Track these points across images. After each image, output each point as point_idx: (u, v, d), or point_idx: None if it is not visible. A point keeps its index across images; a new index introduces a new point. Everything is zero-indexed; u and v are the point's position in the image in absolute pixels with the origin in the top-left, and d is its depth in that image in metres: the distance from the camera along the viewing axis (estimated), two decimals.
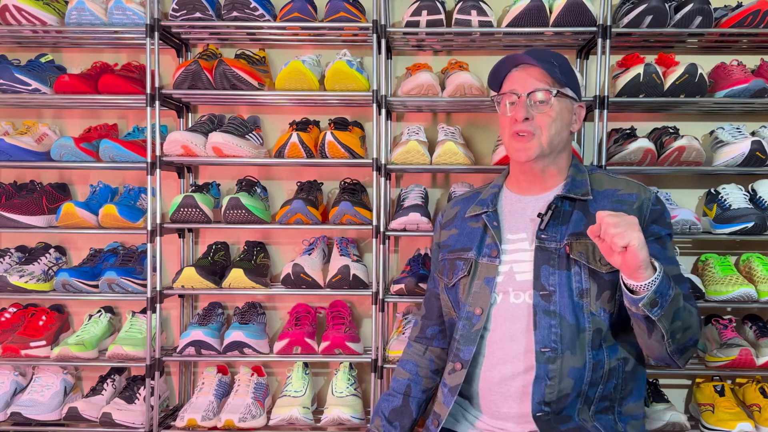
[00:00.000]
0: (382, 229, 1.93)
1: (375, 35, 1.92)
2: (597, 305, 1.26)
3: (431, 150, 1.98)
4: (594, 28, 1.87)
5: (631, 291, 1.16)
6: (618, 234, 1.10)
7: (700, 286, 1.89)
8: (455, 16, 1.91)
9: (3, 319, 2.11)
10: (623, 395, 1.31)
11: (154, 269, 1.95)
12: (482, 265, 1.35)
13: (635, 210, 1.30)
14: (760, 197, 1.94)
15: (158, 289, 1.96)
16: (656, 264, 1.14)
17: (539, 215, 1.32)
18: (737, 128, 1.97)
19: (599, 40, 1.87)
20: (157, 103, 1.95)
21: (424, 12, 1.90)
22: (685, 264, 2.08)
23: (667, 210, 1.37)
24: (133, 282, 1.99)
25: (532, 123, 1.32)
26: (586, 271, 1.27)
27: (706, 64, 1.94)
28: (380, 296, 1.93)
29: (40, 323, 2.05)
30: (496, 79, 1.42)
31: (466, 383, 1.34)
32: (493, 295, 1.32)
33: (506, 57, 1.37)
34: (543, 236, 1.31)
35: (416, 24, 1.92)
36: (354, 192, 2.03)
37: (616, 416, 1.30)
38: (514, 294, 1.31)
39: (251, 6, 1.93)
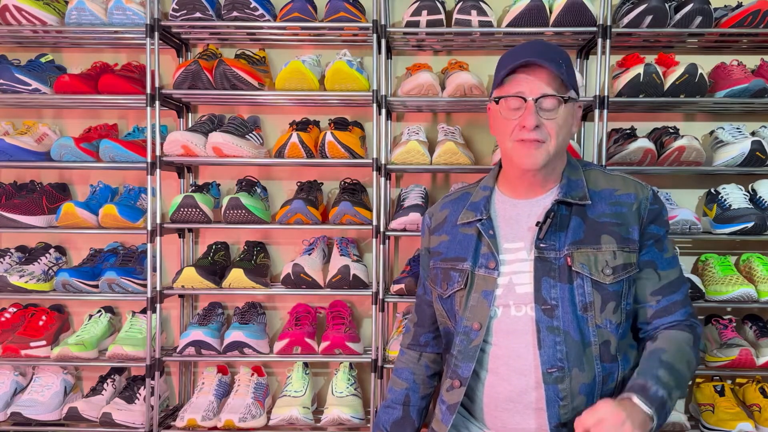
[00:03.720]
0: (382, 229, 1.93)
1: (375, 35, 1.92)
2: (602, 317, 1.22)
3: (431, 150, 1.98)
4: (594, 28, 1.87)
5: None
6: None
7: (700, 286, 1.89)
8: (455, 16, 1.92)
9: (3, 319, 2.11)
10: None
11: (154, 269, 1.95)
12: (479, 277, 1.28)
13: (634, 212, 1.27)
14: (760, 197, 1.94)
15: (158, 289, 1.95)
16: (651, 411, 1.12)
17: (538, 224, 1.27)
18: (737, 128, 1.97)
19: (599, 40, 1.87)
20: (157, 103, 1.95)
21: (424, 12, 1.90)
22: (685, 264, 2.07)
23: (665, 207, 1.33)
24: (133, 282, 1.99)
25: (541, 130, 1.22)
26: (589, 283, 1.22)
27: (706, 64, 1.94)
28: (380, 296, 1.93)
29: (40, 323, 2.06)
30: (500, 72, 1.27)
31: (469, 399, 1.31)
32: (492, 308, 1.26)
33: (514, 51, 1.25)
34: (542, 245, 1.25)
35: (416, 24, 1.92)
36: (354, 192, 2.03)
37: None
38: (515, 307, 1.25)
39: (251, 6, 1.93)
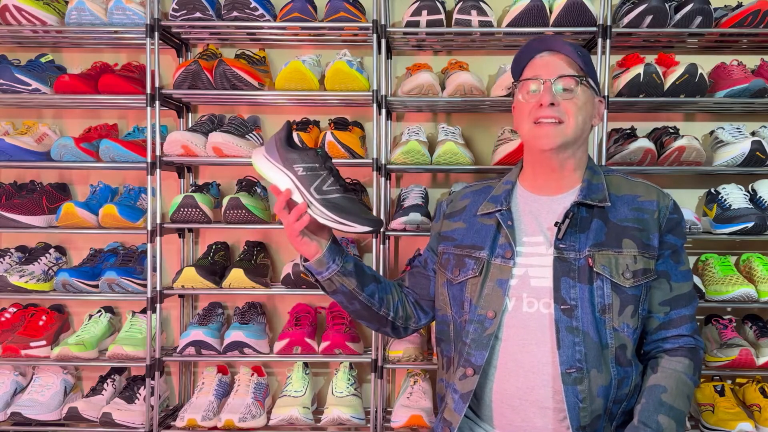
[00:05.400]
0: (382, 229, 1.93)
1: (375, 35, 1.92)
2: (619, 321, 1.22)
3: (431, 150, 1.98)
4: (594, 28, 1.88)
5: None
6: None
7: (700, 286, 1.90)
8: (455, 16, 1.92)
9: (3, 319, 2.11)
10: None
11: (154, 269, 1.95)
12: (495, 265, 1.28)
13: (654, 219, 1.28)
14: (760, 197, 1.94)
15: (158, 289, 1.95)
16: None
17: (556, 224, 1.27)
18: (737, 128, 1.97)
19: (599, 40, 1.87)
20: (157, 103, 1.95)
21: (424, 12, 1.90)
22: None
23: (684, 219, 1.34)
24: (133, 282, 1.99)
25: (558, 109, 1.25)
26: (608, 285, 1.23)
27: (706, 64, 1.94)
28: None
29: (40, 323, 2.06)
30: (518, 66, 1.34)
31: (476, 397, 1.30)
32: (505, 299, 1.26)
33: (535, 40, 1.30)
34: (561, 246, 1.25)
35: (416, 24, 1.92)
36: (354, 192, 2.03)
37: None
38: (528, 301, 1.25)
39: (251, 6, 1.93)
